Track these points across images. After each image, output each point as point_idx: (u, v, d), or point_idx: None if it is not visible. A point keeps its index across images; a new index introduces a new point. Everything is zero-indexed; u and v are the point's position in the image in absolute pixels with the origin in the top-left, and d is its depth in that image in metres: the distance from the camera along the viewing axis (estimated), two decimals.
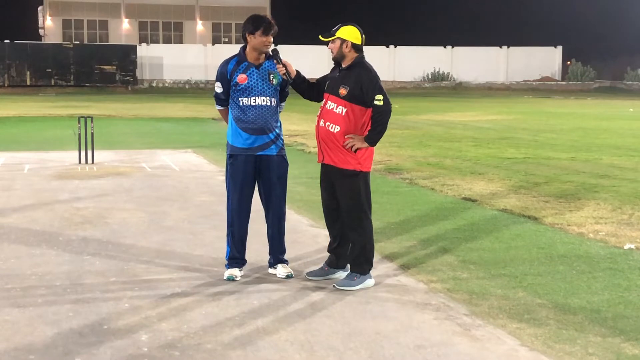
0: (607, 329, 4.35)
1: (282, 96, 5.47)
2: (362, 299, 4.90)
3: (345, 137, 5.09)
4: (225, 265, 5.43)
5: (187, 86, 50.21)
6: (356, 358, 3.92)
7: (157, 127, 20.37)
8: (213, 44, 56.55)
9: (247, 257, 5.48)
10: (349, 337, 4.21)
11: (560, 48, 59.46)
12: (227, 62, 5.36)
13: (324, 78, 5.39)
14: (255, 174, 5.38)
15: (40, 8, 58.42)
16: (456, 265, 5.79)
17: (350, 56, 5.16)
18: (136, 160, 12.47)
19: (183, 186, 9.71)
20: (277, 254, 5.49)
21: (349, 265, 5.30)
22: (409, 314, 4.62)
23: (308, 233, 6.88)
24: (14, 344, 4.04)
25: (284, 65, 5.29)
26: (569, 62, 59.58)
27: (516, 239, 6.69)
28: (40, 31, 58.20)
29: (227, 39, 61.71)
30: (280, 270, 5.41)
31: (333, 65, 5.34)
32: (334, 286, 5.15)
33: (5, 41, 47.72)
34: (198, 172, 11.10)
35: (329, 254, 5.47)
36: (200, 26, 61.52)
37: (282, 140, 5.45)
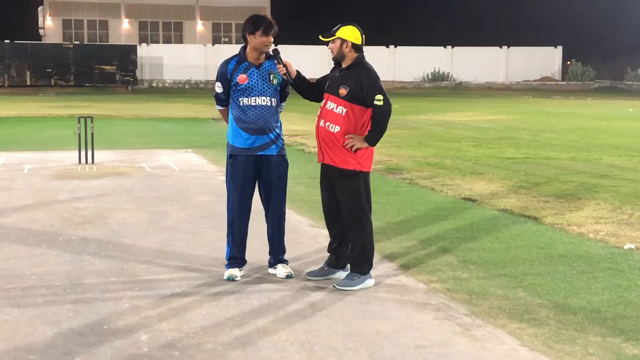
0: (607, 329, 4.35)
1: (282, 96, 5.47)
2: (362, 299, 4.90)
3: (345, 137, 5.10)
4: (225, 265, 5.43)
5: (187, 86, 50.21)
6: (356, 358, 3.92)
7: (157, 127, 20.37)
8: (213, 44, 56.55)
9: (247, 257, 5.48)
10: (349, 337, 4.21)
11: (560, 48, 59.46)
12: (227, 62, 5.36)
13: (324, 78, 5.39)
14: (256, 174, 5.38)
15: (40, 8, 58.43)
16: (456, 265, 5.79)
17: (350, 56, 5.16)
18: (136, 160, 12.47)
19: (183, 186, 9.71)
20: (277, 254, 5.49)
21: (349, 265, 5.30)
22: (409, 314, 4.62)
23: (308, 233, 6.88)
24: (14, 344, 4.04)
25: (285, 65, 5.29)
26: (569, 62, 59.58)
27: (516, 239, 6.69)
28: (40, 31, 58.21)
29: (227, 39, 61.71)
30: (280, 270, 5.41)
31: (333, 65, 5.34)
32: (334, 286, 5.15)
33: (5, 41, 47.72)
34: (198, 172, 11.10)
35: (329, 254, 5.47)
36: (200, 26, 61.52)
37: (283, 140, 5.45)
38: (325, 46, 5.19)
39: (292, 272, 5.40)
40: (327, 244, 5.56)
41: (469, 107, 32.11)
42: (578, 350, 4.01)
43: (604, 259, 5.97)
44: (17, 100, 34.59)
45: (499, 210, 8.03)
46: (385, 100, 5.06)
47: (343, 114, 5.10)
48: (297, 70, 5.39)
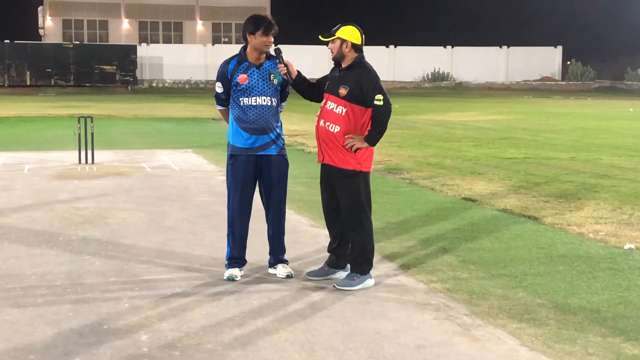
0: (607, 329, 4.35)
1: (282, 96, 5.47)
2: (362, 299, 4.90)
3: (345, 137, 5.10)
4: (225, 265, 5.43)
5: (187, 86, 50.22)
6: (356, 358, 3.92)
7: (157, 127, 20.37)
8: (213, 44, 56.55)
9: (247, 257, 5.48)
10: (349, 337, 4.21)
11: (560, 48, 59.46)
12: (227, 62, 5.37)
13: (324, 78, 5.39)
14: (256, 173, 5.38)
15: (40, 8, 58.43)
16: (456, 265, 5.79)
17: (350, 56, 5.17)
18: (136, 160, 12.48)
19: (183, 186, 9.71)
20: (277, 254, 5.49)
21: (349, 265, 5.30)
22: (409, 314, 4.62)
23: (308, 233, 6.88)
24: (14, 344, 4.04)
25: (286, 65, 5.29)
26: (569, 62, 59.58)
27: (516, 239, 6.69)
28: (40, 31, 58.20)
29: (227, 39, 61.71)
30: (280, 270, 5.41)
31: (333, 65, 5.34)
32: (334, 286, 5.15)
33: (5, 41, 47.71)
34: (198, 172, 11.10)
35: (329, 254, 5.47)
36: (200, 26, 61.52)
37: (283, 140, 5.45)
38: (325, 46, 5.19)
39: (292, 272, 5.40)
40: (327, 244, 5.56)
41: (469, 107, 32.11)
42: (578, 350, 4.01)
43: (604, 259, 5.97)
44: (17, 100, 34.60)
45: (499, 210, 8.03)
46: (385, 100, 5.06)
47: (343, 114, 5.11)
48: (297, 71, 5.39)
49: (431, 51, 56.97)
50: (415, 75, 55.91)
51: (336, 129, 5.11)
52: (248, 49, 5.32)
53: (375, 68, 5.22)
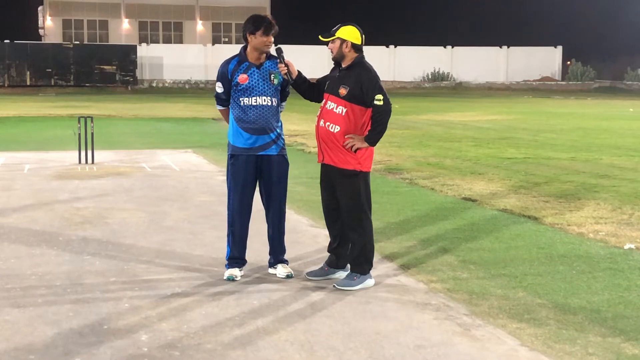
0: (607, 329, 4.35)
1: (282, 96, 5.47)
2: (362, 299, 4.90)
3: (345, 137, 5.10)
4: (225, 265, 5.43)
5: (187, 86, 50.21)
6: (356, 358, 3.92)
7: (157, 127, 20.37)
8: (213, 44, 56.55)
9: (247, 257, 5.48)
10: (349, 337, 4.21)
11: (560, 48, 59.45)
12: (228, 62, 5.37)
13: (324, 78, 5.39)
14: (256, 174, 5.38)
15: (40, 8, 58.43)
16: (456, 265, 5.79)
17: (350, 56, 5.16)
18: (136, 160, 12.48)
19: (183, 186, 9.71)
20: (277, 254, 5.49)
21: (349, 265, 5.30)
22: (409, 314, 4.62)
23: (308, 233, 6.88)
24: (14, 344, 4.04)
25: (286, 65, 5.29)
26: (569, 62, 59.58)
27: (516, 239, 6.69)
28: (40, 31, 58.20)
29: (227, 39, 61.71)
30: (280, 270, 5.41)
31: (333, 65, 5.34)
32: (334, 286, 5.15)
33: (5, 41, 47.71)
34: (198, 172, 11.10)
35: (329, 254, 5.47)
36: (200, 26, 61.52)
37: (283, 140, 5.45)
38: (325, 46, 5.19)
39: (292, 272, 5.40)
40: (327, 244, 5.56)
41: (469, 107, 32.11)
42: (578, 350, 4.01)
43: (604, 259, 5.97)
44: (17, 100, 34.59)
45: (499, 210, 8.03)
46: (385, 100, 5.06)
47: (343, 114, 5.11)
48: (298, 71, 5.39)
49: (431, 51, 56.97)
50: (415, 75, 55.91)
51: (336, 129, 5.11)
52: (248, 49, 5.32)
53: (375, 68, 5.22)
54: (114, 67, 47.77)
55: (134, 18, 60.36)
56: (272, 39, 5.30)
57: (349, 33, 5.13)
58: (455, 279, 5.40)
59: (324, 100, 5.24)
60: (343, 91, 5.09)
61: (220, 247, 5.96)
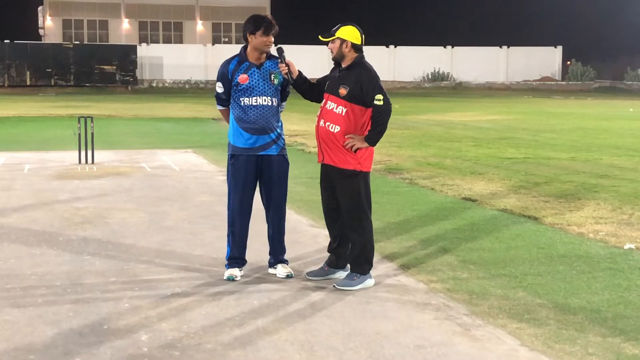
0: (607, 329, 4.35)
1: (283, 96, 5.47)
2: (362, 299, 4.90)
3: (345, 137, 5.10)
4: (225, 265, 5.43)
5: (187, 86, 50.21)
6: (356, 358, 3.92)
7: (157, 127, 20.37)
8: (213, 44, 56.54)
9: (247, 257, 5.48)
10: (349, 337, 4.21)
11: (560, 48, 59.46)
12: (228, 62, 5.37)
13: (324, 78, 5.39)
14: (257, 174, 5.38)
15: (40, 8, 58.42)
16: (456, 265, 5.79)
17: (350, 56, 5.17)
18: (136, 160, 12.48)
19: (183, 186, 9.71)
20: (277, 254, 5.50)
21: (349, 265, 5.30)
22: (409, 314, 4.62)
23: (308, 233, 6.88)
24: (14, 344, 4.04)
25: (287, 65, 5.29)
26: (569, 62, 59.58)
27: (516, 239, 6.69)
28: (40, 31, 58.20)
29: (227, 39, 61.71)
30: (280, 270, 5.41)
31: (333, 65, 5.34)
32: (334, 286, 5.15)
33: (5, 41, 47.70)
34: (198, 172, 11.11)
35: (329, 254, 5.47)
36: (200, 26, 61.51)
37: (284, 140, 5.45)
38: (325, 46, 5.19)
39: (292, 272, 5.40)
40: (327, 244, 5.56)
41: (469, 107, 32.12)
42: (578, 350, 4.01)
43: (604, 259, 5.97)
44: (17, 100, 34.60)
45: (499, 210, 8.03)
46: (385, 100, 5.06)
47: (343, 114, 5.11)
48: (298, 70, 5.39)
49: (431, 51, 56.97)
50: (415, 75, 55.91)
51: (336, 129, 5.11)
52: (248, 49, 5.32)
53: (375, 68, 5.22)
54: (114, 67, 47.78)
55: (134, 18, 60.36)
56: (272, 39, 5.30)
57: (349, 33, 5.13)
58: (455, 279, 5.40)
59: (324, 100, 5.24)
60: (343, 91, 5.09)
61: (220, 247, 5.96)
